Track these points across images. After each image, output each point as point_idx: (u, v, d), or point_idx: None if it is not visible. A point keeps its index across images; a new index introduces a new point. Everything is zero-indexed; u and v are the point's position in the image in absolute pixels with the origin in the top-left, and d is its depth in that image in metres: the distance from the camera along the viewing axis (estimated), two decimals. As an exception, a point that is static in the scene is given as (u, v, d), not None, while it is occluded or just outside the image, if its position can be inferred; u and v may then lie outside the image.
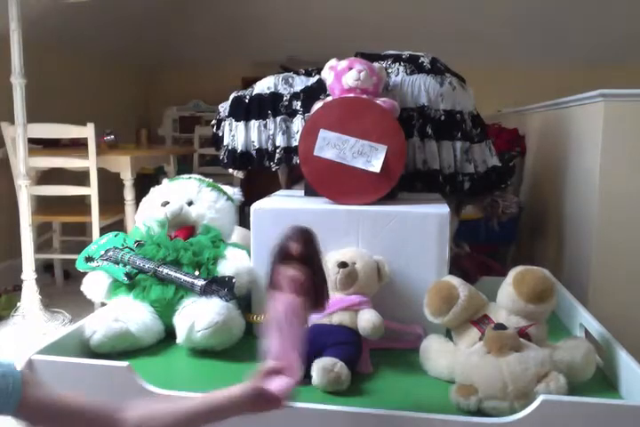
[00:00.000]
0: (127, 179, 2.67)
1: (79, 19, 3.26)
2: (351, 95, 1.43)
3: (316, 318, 1.22)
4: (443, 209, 1.33)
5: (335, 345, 1.14)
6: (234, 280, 1.31)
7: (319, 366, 1.08)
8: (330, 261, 1.27)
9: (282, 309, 0.89)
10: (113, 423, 0.81)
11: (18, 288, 2.42)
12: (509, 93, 3.96)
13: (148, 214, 1.53)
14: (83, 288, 1.42)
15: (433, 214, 1.30)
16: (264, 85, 1.71)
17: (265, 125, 1.68)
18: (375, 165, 1.36)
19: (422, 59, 1.63)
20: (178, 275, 1.33)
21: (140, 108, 4.70)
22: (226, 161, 1.76)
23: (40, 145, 2.76)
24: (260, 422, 0.96)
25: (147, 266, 1.35)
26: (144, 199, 1.59)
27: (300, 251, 0.91)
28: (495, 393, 0.99)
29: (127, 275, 1.36)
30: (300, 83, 1.68)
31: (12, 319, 2.32)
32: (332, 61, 1.51)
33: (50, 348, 1.13)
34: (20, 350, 2.11)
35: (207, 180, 1.62)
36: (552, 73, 4.10)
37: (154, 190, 1.59)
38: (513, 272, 1.17)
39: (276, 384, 0.86)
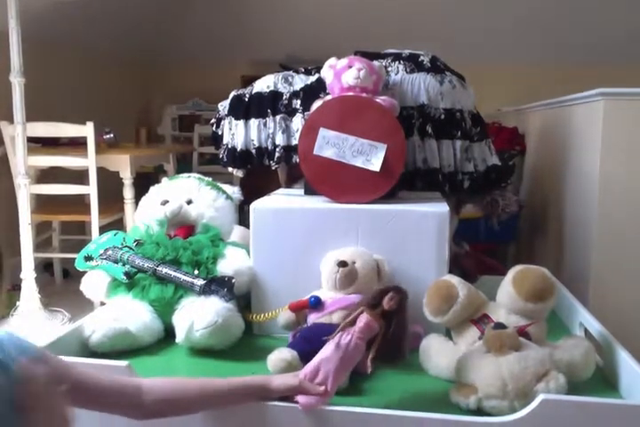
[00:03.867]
0: (126, 178, 2.67)
1: (78, 17, 3.26)
2: (351, 94, 1.42)
3: (315, 318, 1.22)
4: (442, 208, 1.32)
5: (335, 344, 1.14)
6: (233, 280, 1.31)
7: (319, 366, 1.07)
8: (329, 260, 1.27)
9: (348, 340, 0.99)
10: (134, 401, 0.84)
11: (17, 287, 2.42)
12: (509, 92, 3.95)
13: (147, 213, 1.53)
14: (82, 287, 1.41)
15: (433, 213, 1.30)
16: (264, 84, 1.71)
17: (265, 124, 1.68)
18: (375, 164, 1.36)
19: (422, 57, 1.63)
20: (177, 274, 1.33)
21: (139, 107, 4.69)
22: (225, 160, 1.75)
23: (39, 144, 2.75)
24: (259, 421, 0.96)
25: (146, 265, 1.35)
26: (143, 198, 1.58)
27: (390, 304, 0.99)
28: (495, 392, 0.99)
29: (126, 274, 1.35)
30: (300, 81, 1.68)
31: (11, 318, 2.32)
32: (332, 60, 1.50)
33: (49, 347, 1.12)
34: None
35: (206, 178, 1.61)
36: (552, 72, 4.09)
37: (153, 189, 1.59)
38: (512, 271, 1.16)
39: (306, 399, 0.94)
